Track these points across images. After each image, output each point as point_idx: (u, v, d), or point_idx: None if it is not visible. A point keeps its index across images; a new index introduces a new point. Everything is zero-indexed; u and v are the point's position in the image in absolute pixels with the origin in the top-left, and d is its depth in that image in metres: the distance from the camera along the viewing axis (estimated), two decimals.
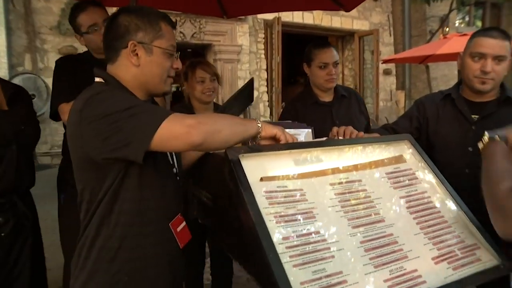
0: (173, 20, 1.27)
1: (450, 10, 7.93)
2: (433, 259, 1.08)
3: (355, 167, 1.21)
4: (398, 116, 7.84)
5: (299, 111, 2.18)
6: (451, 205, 1.26)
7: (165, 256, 1.21)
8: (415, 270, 1.03)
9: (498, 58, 1.59)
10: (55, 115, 2.02)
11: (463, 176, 1.60)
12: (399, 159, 1.31)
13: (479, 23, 11.53)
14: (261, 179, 1.05)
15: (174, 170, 1.30)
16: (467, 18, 11.47)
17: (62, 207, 2.17)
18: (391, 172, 1.26)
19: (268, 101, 8.54)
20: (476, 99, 1.70)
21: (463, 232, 1.20)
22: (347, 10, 2.63)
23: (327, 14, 8.88)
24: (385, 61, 7.15)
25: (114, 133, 1.03)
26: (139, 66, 1.18)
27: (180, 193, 1.31)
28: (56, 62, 2.12)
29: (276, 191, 1.04)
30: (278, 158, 1.13)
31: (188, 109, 2.22)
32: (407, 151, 1.36)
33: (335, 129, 1.50)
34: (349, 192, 1.14)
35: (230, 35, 8.19)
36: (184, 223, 1.27)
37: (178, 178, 1.31)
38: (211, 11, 3.06)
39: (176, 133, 1.03)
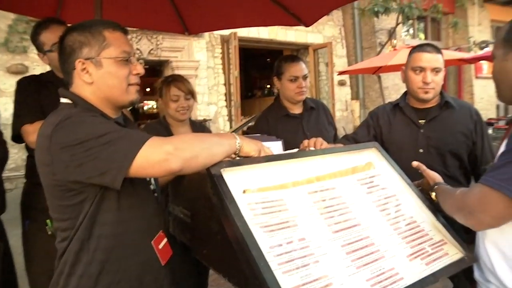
0: (129, 37, 1.24)
1: (397, 24, 8.36)
2: (407, 256, 1.16)
3: (329, 176, 1.27)
4: (354, 125, 8.14)
5: (270, 124, 2.26)
6: (418, 205, 1.35)
7: (149, 275, 1.20)
8: (393, 268, 1.10)
9: (435, 70, 1.84)
10: (17, 137, 1.96)
11: (416, 176, 1.72)
12: (368, 166, 1.40)
13: (422, 36, 12.22)
14: (244, 192, 1.09)
15: (152, 187, 1.30)
16: (411, 31, 12.13)
17: (27, 233, 2.09)
18: (362, 179, 1.33)
19: (227, 115, 8.59)
20: (421, 106, 1.91)
21: (431, 230, 1.30)
22: (307, 25, 2.73)
23: (282, 28, 9.11)
24: (341, 73, 7.43)
25: (89, 161, 1.01)
26: (93, 83, 1.14)
27: (160, 209, 1.32)
28: (18, 82, 2.06)
29: (259, 202, 1.08)
30: (258, 170, 1.17)
31: (164, 126, 2.20)
32: (375, 157, 1.45)
33: (305, 141, 1.58)
34: (326, 200, 1.20)
35: (187, 50, 8.21)
36: (165, 240, 1.28)
37: (156, 194, 1.32)
38: (173, 27, 3.09)
39: (153, 160, 1.02)
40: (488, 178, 1.02)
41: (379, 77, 8.37)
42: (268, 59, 12.75)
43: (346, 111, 9.99)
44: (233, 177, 1.10)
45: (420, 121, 1.90)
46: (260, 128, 2.27)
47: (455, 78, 12.48)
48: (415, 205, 1.35)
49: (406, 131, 1.91)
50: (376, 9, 6.97)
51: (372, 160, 1.43)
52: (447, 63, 6.88)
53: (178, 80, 2.22)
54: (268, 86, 13.24)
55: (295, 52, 10.42)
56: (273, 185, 1.15)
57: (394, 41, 9.65)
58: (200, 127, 2.38)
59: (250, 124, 6.54)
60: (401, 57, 5.93)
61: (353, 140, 1.96)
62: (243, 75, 11.26)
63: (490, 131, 7.94)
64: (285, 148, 1.87)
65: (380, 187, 1.34)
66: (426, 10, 8.06)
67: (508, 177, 0.98)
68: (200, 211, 1.27)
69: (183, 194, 1.42)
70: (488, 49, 10.05)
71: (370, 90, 10.10)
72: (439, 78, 1.86)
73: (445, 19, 11.57)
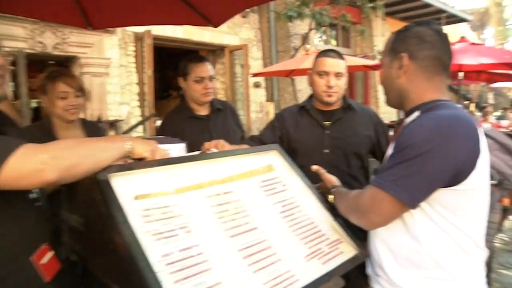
0: (30, 28, 1.11)
1: (310, 30, 8.70)
2: (304, 257, 1.18)
3: (228, 179, 1.25)
4: None
5: (176, 125, 2.19)
6: (317, 207, 1.39)
7: None
8: (289, 270, 1.10)
9: (338, 75, 1.94)
10: None
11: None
12: (269, 168, 1.40)
13: (334, 42, 12.91)
14: (136, 198, 1.02)
15: (34, 195, 1.17)
16: (324, 37, 12.75)
17: None
18: (263, 181, 1.33)
19: (140, 115, 8.27)
20: (326, 108, 2.00)
21: (329, 229, 1.33)
22: (215, 26, 2.70)
23: (198, 28, 8.99)
24: (255, 75, 7.53)
25: None
26: None
27: (44, 220, 1.19)
28: None
29: (151, 209, 1.02)
30: (152, 174, 1.10)
31: (45, 131, 1.96)
32: (275, 160, 1.46)
33: (206, 143, 1.55)
34: (224, 203, 1.17)
35: (98, 47, 7.73)
36: (51, 253, 1.15)
37: (39, 203, 1.18)
38: (73, 21, 2.86)
39: (25, 172, 0.91)
40: (378, 180, 1.08)
41: (292, 80, 8.65)
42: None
43: (261, 112, 10.17)
44: (123, 183, 1.03)
45: (325, 122, 1.97)
46: (165, 130, 2.20)
47: (362, 83, 13.37)
48: (314, 207, 1.38)
49: (312, 132, 1.97)
50: (289, 13, 7.17)
51: (272, 162, 1.43)
52: (355, 68, 7.33)
53: (66, 74, 1.98)
54: None
55: (211, 53, 10.39)
56: (167, 189, 1.09)
57: (308, 46, 10.04)
58: (92, 128, 2.16)
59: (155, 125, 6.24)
60: (312, 61, 6.17)
61: (259, 141, 1.98)
62: (159, 75, 10.94)
63: (391, 133, 8.59)
64: (191, 151, 1.82)
65: (279, 190, 1.35)
66: (336, 19, 8.50)
67: (395, 178, 1.03)
68: (92, 218, 1.16)
69: (76, 200, 1.30)
70: None
71: (285, 93, 10.40)
72: (342, 83, 1.95)
73: (354, 28, 12.34)
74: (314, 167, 1.48)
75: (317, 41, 12.00)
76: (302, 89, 10.27)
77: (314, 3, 7.55)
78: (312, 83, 2.02)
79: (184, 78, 2.22)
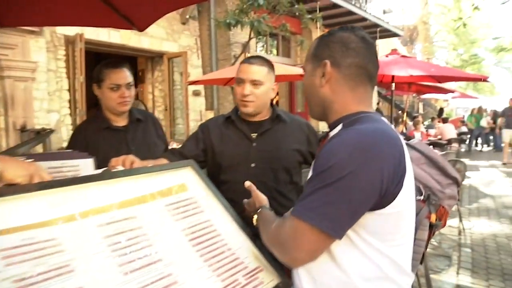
0: None
1: (250, 38, 8.67)
2: None
3: (130, 202, 1.08)
4: None
5: (89, 138, 1.94)
6: (235, 231, 1.24)
7: None
8: None
9: (255, 83, 1.75)
10: None
11: (248, 192, 1.70)
12: (181, 188, 1.24)
13: (275, 51, 13.04)
14: (0, 233, 0.82)
15: None
16: (265, 46, 12.83)
17: None
18: (172, 203, 1.17)
19: (71, 124, 7.75)
20: (252, 119, 1.84)
21: (247, 256, 1.20)
22: (140, 30, 2.51)
23: (135, 34, 8.65)
24: (191, 83, 7.32)
25: None
26: None
27: None
28: None
29: (20, 246, 0.82)
30: (28, 201, 0.91)
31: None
32: (190, 178, 1.30)
33: (113, 160, 1.35)
34: (120, 233, 0.99)
35: (22, 49, 7.14)
36: None
37: None
38: None
39: None
40: (298, 209, 0.94)
41: (232, 89, 8.53)
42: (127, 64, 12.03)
43: (200, 121, 9.94)
44: None
45: (252, 134, 1.83)
46: (76, 142, 1.94)
47: (302, 92, 13.60)
48: (231, 231, 1.24)
49: (238, 145, 1.82)
50: (228, 20, 7.08)
51: (186, 181, 1.28)
52: (295, 78, 7.31)
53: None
54: None
55: (150, 60, 10.05)
56: (46, 220, 0.90)
57: (248, 55, 10.02)
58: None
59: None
60: None
61: (179, 154, 1.79)
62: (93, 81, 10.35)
63: None
64: (103, 167, 1.61)
65: (192, 213, 1.19)
66: (276, 28, 8.54)
67: (316, 206, 0.90)
68: None
69: None
70: None
71: (225, 101, 10.29)
72: (260, 91, 1.77)
73: (294, 38, 12.54)
74: (247, 183, 1.34)
75: (259, 50, 12.05)
76: None
77: (253, 11, 7.51)
78: (233, 91, 1.89)
79: (98, 85, 1.98)
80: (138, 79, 10.47)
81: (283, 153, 1.83)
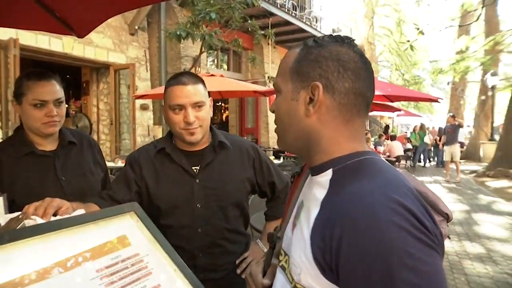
0: None
1: (201, 52, 8.43)
2: None
3: (48, 271, 0.77)
4: None
5: (4, 165, 1.54)
6: None
7: None
8: None
9: (197, 105, 1.49)
10: None
11: (196, 236, 1.50)
12: (121, 242, 0.94)
13: (225, 66, 12.88)
14: None
15: None
16: (215, 61, 12.64)
17: None
18: (108, 266, 0.87)
19: (2, 138, 7.05)
20: (191, 148, 1.57)
21: None
22: (80, 36, 2.19)
23: (79, 42, 8.12)
24: (138, 97, 6.93)
25: None
26: None
27: None
28: None
29: None
30: None
31: None
32: (133, 228, 1.01)
33: (26, 208, 1.00)
34: None
35: None
36: None
37: None
38: None
39: None
40: None
41: None
42: (68, 76, 11.31)
43: (148, 136, 9.50)
44: None
45: (193, 168, 1.54)
46: None
47: (253, 108, 13.49)
48: None
49: (179, 184, 1.51)
50: (178, 32, 6.80)
51: (128, 231, 0.98)
52: (246, 94, 7.21)
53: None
54: (67, 105, 11.64)
55: (95, 71, 9.50)
56: None
57: (198, 69, 9.76)
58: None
59: None
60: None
61: (110, 199, 1.45)
62: None
63: (281, 159, 8.62)
64: (26, 204, 1.25)
65: (136, 277, 0.90)
66: (228, 43, 8.37)
67: None
68: None
69: None
70: None
71: None
72: (204, 113, 1.51)
73: (246, 53, 12.45)
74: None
75: (209, 64, 11.82)
76: None
77: (205, 25, 7.29)
78: (167, 121, 1.55)
79: (18, 100, 1.59)
80: (82, 91, 9.86)
81: (231, 187, 1.57)
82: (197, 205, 1.50)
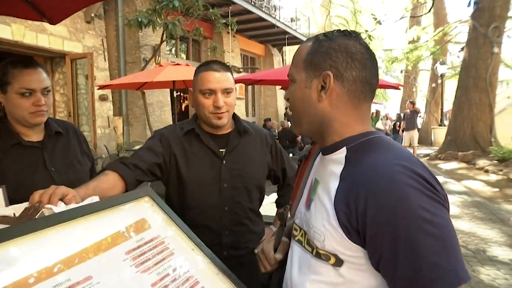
0: None
1: (162, 41, 8.27)
2: None
3: (76, 258, 0.78)
4: (117, 143, 7.47)
5: None
6: (215, 277, 1.00)
7: None
8: None
9: (227, 91, 1.58)
10: None
11: (224, 215, 1.58)
12: (141, 226, 0.96)
13: (183, 56, 12.70)
14: None
15: None
16: (174, 50, 12.43)
17: None
18: (134, 249, 0.89)
19: None
20: (217, 132, 1.64)
21: None
22: (53, 23, 2.12)
23: (31, 30, 7.71)
24: (102, 87, 6.73)
25: None
26: None
27: None
28: None
29: None
30: None
31: None
32: (149, 212, 1.02)
33: (36, 195, 0.97)
34: None
35: None
36: None
37: None
38: None
39: None
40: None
41: (143, 93, 8.06)
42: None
43: (108, 128, 9.25)
44: None
45: (220, 150, 1.62)
46: None
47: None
48: (211, 276, 1.00)
49: (207, 164, 1.59)
50: (140, 19, 6.63)
51: (146, 215, 1.00)
52: None
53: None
54: None
55: (49, 61, 9.08)
56: None
57: (158, 58, 9.58)
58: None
59: None
60: (166, 74, 5.75)
61: (136, 168, 1.44)
62: None
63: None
64: (15, 197, 1.23)
65: (161, 257, 0.92)
66: (189, 32, 8.25)
67: (446, 266, 0.71)
68: None
69: None
70: (243, 74, 11.17)
71: (134, 106, 9.71)
72: (232, 99, 1.60)
73: (206, 42, 12.33)
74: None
75: (167, 53, 11.60)
76: (153, 103, 9.74)
77: (166, 13, 7.16)
78: (196, 104, 1.60)
79: (2, 89, 1.53)
80: None
81: (255, 170, 1.68)
82: (224, 185, 1.57)
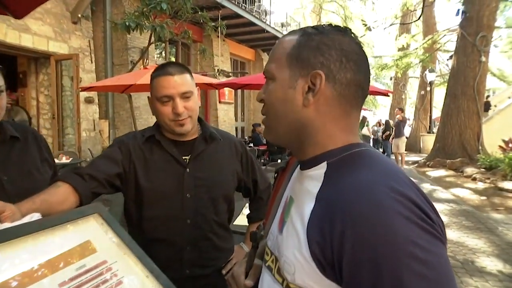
0: None
1: (149, 44, 8.13)
2: None
3: None
4: (103, 147, 7.31)
5: None
6: None
7: None
8: None
9: (185, 95, 1.45)
10: None
11: (186, 228, 1.44)
12: (85, 250, 0.83)
13: (173, 59, 12.56)
14: None
15: None
16: (163, 54, 12.28)
17: None
18: (73, 278, 0.76)
19: None
20: (180, 138, 1.52)
21: None
22: (17, 17, 2.00)
23: (13, 29, 7.52)
24: (84, 89, 6.55)
25: None
26: None
27: None
28: None
29: None
30: None
31: None
32: (98, 232, 0.89)
33: None
34: None
35: None
36: None
37: None
38: None
39: None
40: None
41: (129, 96, 7.90)
42: (1, 66, 10.48)
43: (93, 131, 9.06)
44: None
45: (184, 157, 1.49)
46: None
47: (203, 101, 13.30)
48: None
49: (168, 172, 1.46)
50: (127, 23, 6.48)
51: (92, 237, 0.87)
52: (197, 86, 7.09)
53: None
54: None
55: (33, 61, 8.88)
56: None
57: (146, 61, 9.43)
58: None
59: None
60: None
61: (91, 179, 1.31)
62: None
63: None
64: None
65: (106, 286, 0.80)
66: (177, 35, 8.13)
67: None
68: None
69: None
70: (232, 78, 11.06)
71: (121, 110, 9.54)
72: (193, 103, 1.47)
73: (195, 46, 12.21)
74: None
75: (156, 56, 11.45)
76: (140, 106, 9.57)
77: (154, 15, 7.03)
78: (155, 112, 1.50)
79: None
80: (19, 82, 9.19)
81: (222, 178, 1.55)
82: (187, 195, 1.44)
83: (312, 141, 0.76)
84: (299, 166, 0.83)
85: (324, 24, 0.78)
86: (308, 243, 0.66)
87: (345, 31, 0.76)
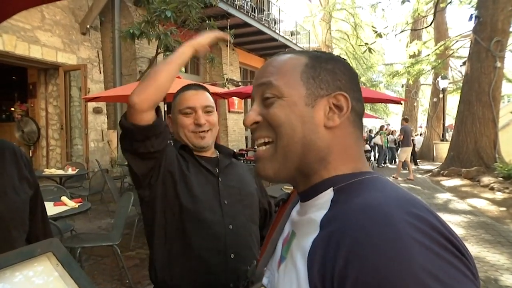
0: None
1: (157, 53, 8.07)
2: None
3: None
4: (111, 157, 7.25)
5: None
6: None
7: None
8: None
9: (207, 109, 1.50)
10: None
11: (228, 233, 1.39)
12: None
13: (182, 68, 12.53)
14: None
15: None
16: None
17: None
18: None
19: None
20: (201, 153, 1.52)
21: None
22: None
23: (23, 40, 7.53)
24: (89, 100, 6.49)
25: None
26: None
27: None
28: None
29: None
30: None
31: None
32: (50, 277, 0.73)
33: None
34: None
35: None
36: None
37: None
38: None
39: None
40: None
41: None
42: (14, 77, 10.57)
43: (102, 141, 9.00)
44: None
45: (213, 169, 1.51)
46: None
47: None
48: None
49: (203, 181, 1.45)
50: (132, 30, 6.42)
51: (42, 282, 0.71)
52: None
53: None
54: (13, 109, 10.67)
55: (43, 72, 8.89)
56: None
57: None
58: None
59: None
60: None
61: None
62: None
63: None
64: None
65: None
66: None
67: None
68: None
69: None
70: (241, 87, 10.96)
71: None
72: (214, 118, 1.52)
73: (203, 55, 12.16)
74: None
75: None
76: None
77: (160, 24, 6.97)
78: (175, 127, 1.51)
79: None
80: (29, 93, 9.21)
81: (251, 190, 1.54)
82: (224, 201, 1.43)
83: (322, 166, 0.67)
84: (299, 200, 0.73)
85: (317, 51, 0.76)
86: (308, 274, 0.56)
87: (338, 58, 0.74)
